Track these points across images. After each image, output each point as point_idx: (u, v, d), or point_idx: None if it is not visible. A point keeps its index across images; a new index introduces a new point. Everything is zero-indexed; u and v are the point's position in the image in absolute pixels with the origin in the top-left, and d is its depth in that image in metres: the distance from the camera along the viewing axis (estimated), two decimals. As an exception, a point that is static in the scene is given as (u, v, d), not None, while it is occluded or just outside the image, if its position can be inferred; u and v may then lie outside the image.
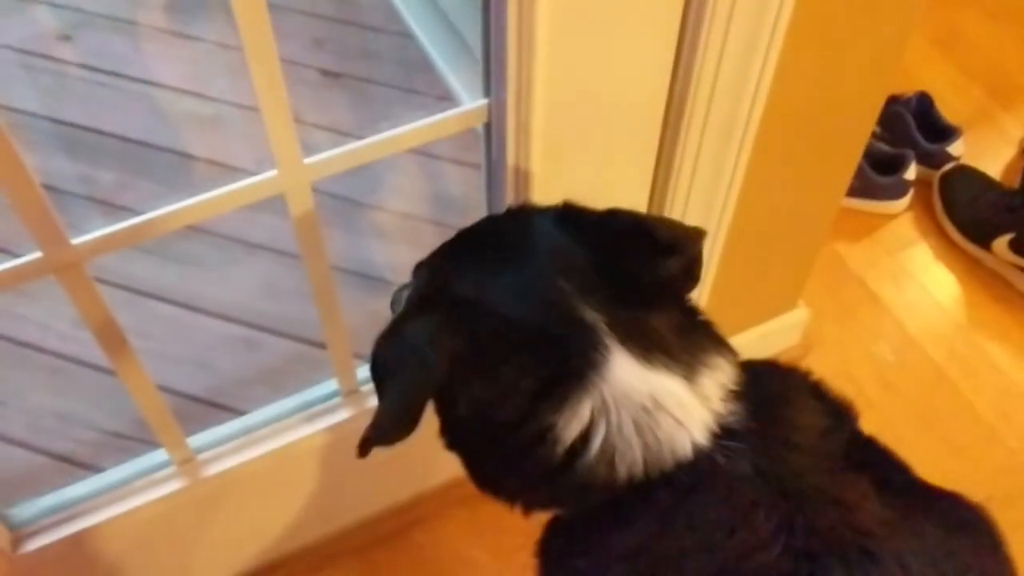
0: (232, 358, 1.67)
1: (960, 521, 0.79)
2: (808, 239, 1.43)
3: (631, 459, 0.74)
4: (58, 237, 0.84)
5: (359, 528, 1.44)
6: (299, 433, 1.20)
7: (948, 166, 1.87)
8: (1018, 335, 1.73)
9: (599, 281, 0.77)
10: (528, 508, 0.82)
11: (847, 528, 0.72)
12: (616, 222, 0.81)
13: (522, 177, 1.01)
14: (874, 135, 1.86)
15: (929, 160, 1.88)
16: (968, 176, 1.86)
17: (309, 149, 0.90)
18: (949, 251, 1.84)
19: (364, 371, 1.24)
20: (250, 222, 1.81)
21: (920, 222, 1.88)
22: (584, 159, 1.03)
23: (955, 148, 1.89)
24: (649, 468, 0.74)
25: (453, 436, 0.82)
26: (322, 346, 1.18)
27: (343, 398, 1.23)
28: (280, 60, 0.80)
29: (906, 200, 1.86)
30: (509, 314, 0.76)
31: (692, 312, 0.82)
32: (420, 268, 0.85)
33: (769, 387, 0.80)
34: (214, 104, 2.03)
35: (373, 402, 1.19)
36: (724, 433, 0.74)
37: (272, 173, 0.90)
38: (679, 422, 0.74)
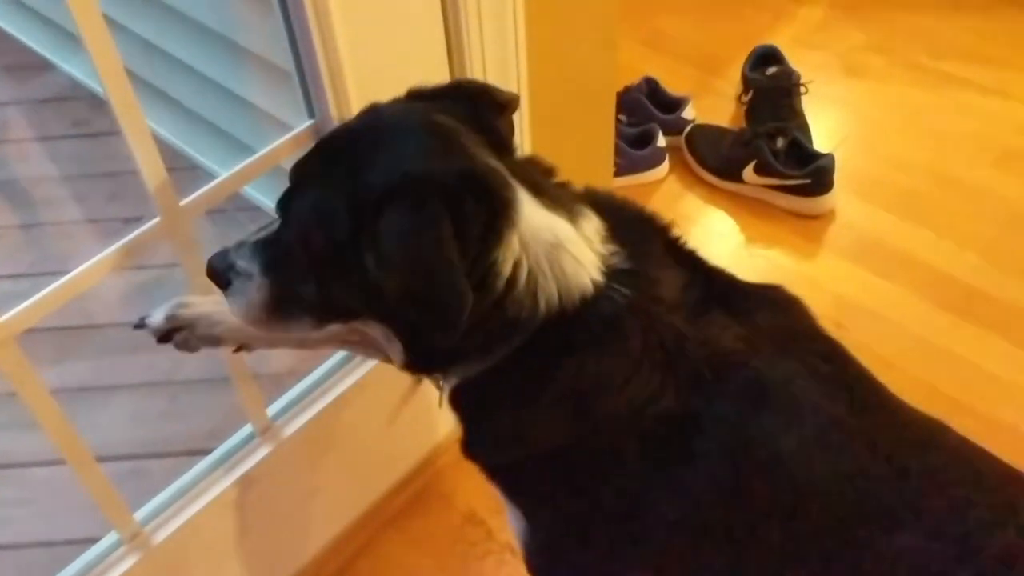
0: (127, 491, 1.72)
1: (776, 300, 0.96)
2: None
3: (548, 291, 0.82)
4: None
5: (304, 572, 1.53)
6: (230, 479, 1.30)
7: (687, 128, 2.23)
8: (786, 237, 2.06)
9: (479, 137, 0.86)
10: (450, 363, 0.90)
11: (715, 357, 0.86)
12: (463, 87, 0.94)
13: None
14: (620, 121, 2.19)
15: (671, 127, 2.22)
16: (705, 131, 2.22)
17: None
18: (712, 193, 2.18)
19: (275, 407, 1.36)
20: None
21: (682, 179, 2.21)
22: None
23: (688, 113, 2.25)
24: (563, 300, 0.83)
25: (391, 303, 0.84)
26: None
27: (260, 437, 1.34)
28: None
29: (665, 165, 2.19)
30: (446, 170, 0.80)
31: (550, 169, 0.93)
32: (319, 197, 0.86)
33: (634, 230, 0.91)
34: None
35: (288, 432, 1.32)
36: (611, 273, 0.85)
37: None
38: (577, 260, 0.84)
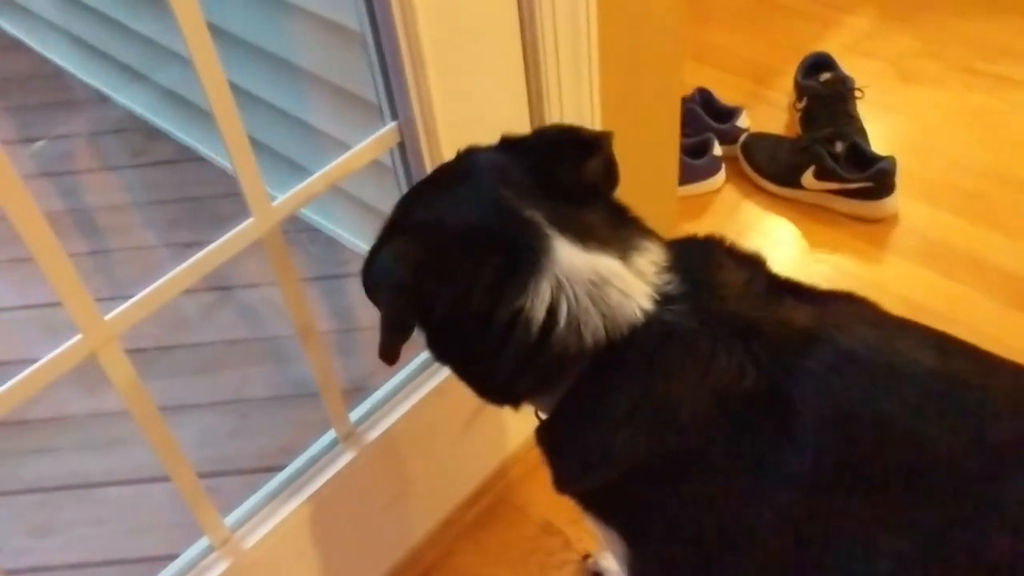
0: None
1: (845, 294, 0.96)
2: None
3: (593, 326, 0.86)
4: None
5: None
6: (315, 485, 1.30)
7: (743, 137, 2.22)
8: (849, 242, 2.04)
9: (535, 186, 0.92)
10: (520, 398, 0.96)
11: (792, 333, 0.87)
12: (544, 134, 1.01)
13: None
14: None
15: (726, 137, 2.22)
16: (761, 139, 2.22)
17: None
18: (771, 201, 2.17)
19: (357, 412, 1.37)
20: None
21: (740, 187, 2.21)
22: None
23: (742, 122, 2.25)
24: (609, 332, 0.87)
25: (440, 345, 0.96)
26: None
27: (343, 443, 1.34)
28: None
29: (722, 174, 2.19)
30: (459, 222, 0.90)
31: (621, 209, 0.98)
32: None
33: (693, 256, 0.94)
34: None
35: (371, 437, 1.33)
36: (664, 299, 0.88)
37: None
38: (624, 293, 0.88)
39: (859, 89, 2.21)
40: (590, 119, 1.37)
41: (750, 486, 0.87)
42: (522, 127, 1.29)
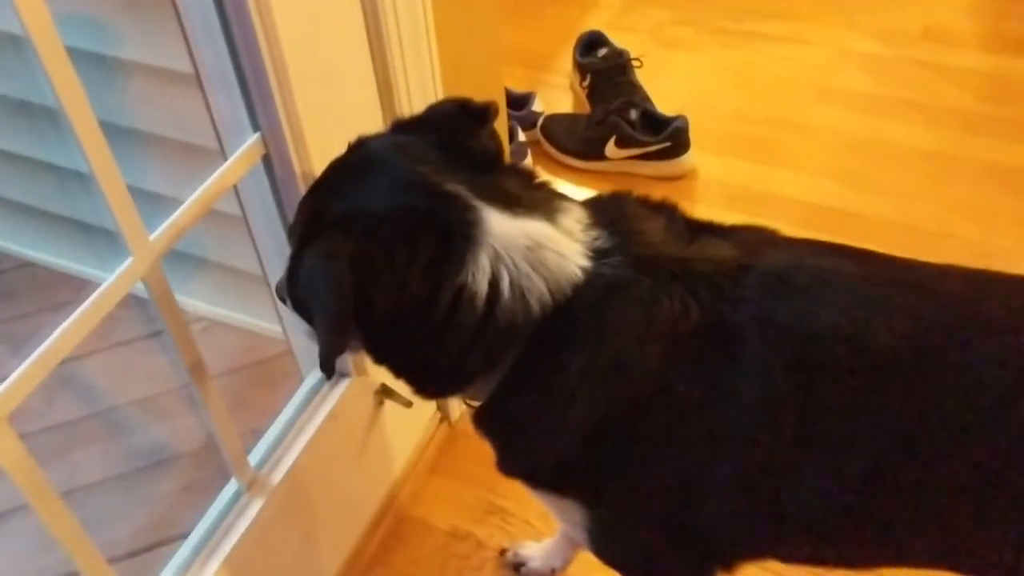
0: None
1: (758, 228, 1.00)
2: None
3: (538, 291, 0.86)
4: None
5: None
6: (228, 544, 1.19)
7: (540, 120, 2.28)
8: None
9: (446, 161, 0.90)
10: (465, 383, 0.93)
11: (721, 266, 0.89)
12: (436, 109, 0.97)
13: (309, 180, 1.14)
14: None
15: (525, 123, 2.27)
16: (558, 120, 2.28)
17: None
18: (579, 176, 2.24)
19: (255, 456, 1.26)
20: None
21: (548, 167, 2.26)
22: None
23: (537, 106, 2.31)
24: (555, 295, 0.86)
25: (380, 341, 0.92)
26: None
27: (248, 492, 1.24)
28: None
29: (529, 158, 2.23)
30: (384, 207, 0.86)
31: (528, 174, 0.98)
32: (293, 227, 0.96)
33: (609, 211, 0.95)
34: None
35: (276, 479, 1.23)
36: (597, 254, 0.89)
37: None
38: (560, 254, 0.88)
39: (636, 59, 2.32)
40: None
41: (710, 419, 0.88)
42: (376, 122, 1.25)
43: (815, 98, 2.40)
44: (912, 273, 0.94)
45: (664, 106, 2.29)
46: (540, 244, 0.87)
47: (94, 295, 0.92)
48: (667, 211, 0.97)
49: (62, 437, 1.77)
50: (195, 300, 1.88)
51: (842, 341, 0.87)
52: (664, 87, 2.40)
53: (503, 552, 1.56)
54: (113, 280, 0.94)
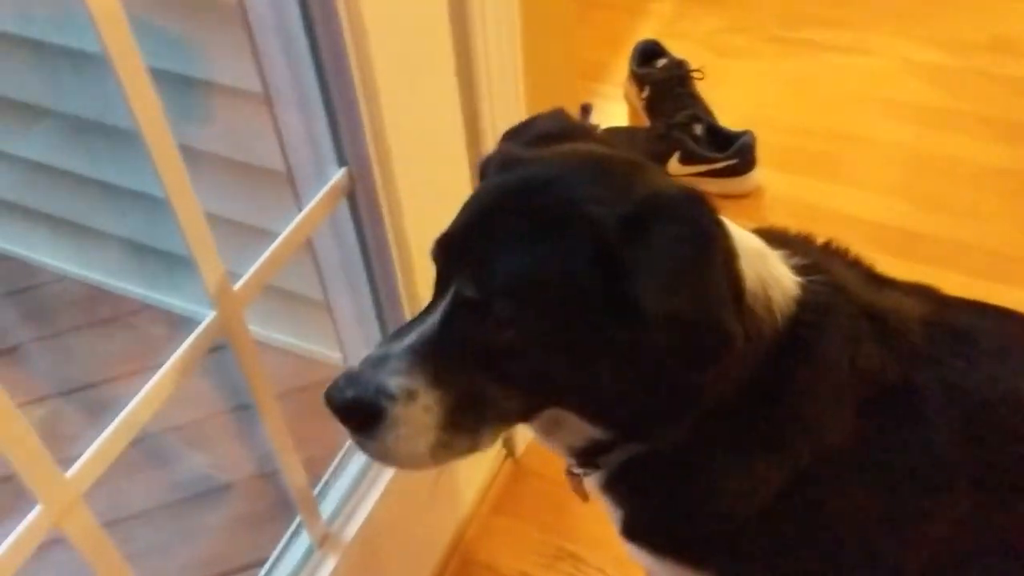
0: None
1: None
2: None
3: (778, 301, 0.76)
4: None
5: None
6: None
7: (599, 131, 2.18)
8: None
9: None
10: (666, 423, 0.77)
11: (911, 321, 0.82)
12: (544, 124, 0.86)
13: (395, 218, 1.05)
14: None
15: (581, 137, 2.17)
16: (617, 133, 2.19)
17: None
18: (638, 193, 2.13)
19: (326, 508, 1.17)
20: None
21: (605, 184, 2.16)
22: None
23: (594, 119, 2.21)
24: (784, 309, 0.76)
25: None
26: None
27: (320, 549, 1.15)
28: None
29: (585, 174, 2.13)
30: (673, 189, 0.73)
31: None
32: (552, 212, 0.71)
33: (782, 239, 0.85)
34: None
35: (349, 535, 1.14)
36: (801, 272, 0.80)
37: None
38: (778, 265, 0.79)
39: (697, 70, 2.22)
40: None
41: (891, 487, 0.80)
42: (460, 156, 1.16)
43: (879, 111, 2.30)
44: None
45: (724, 119, 2.20)
46: (764, 253, 0.78)
47: (173, 357, 0.83)
48: (841, 253, 0.88)
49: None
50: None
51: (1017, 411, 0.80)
52: (722, 99, 2.30)
53: (576, 598, 1.46)
54: (195, 338, 0.85)
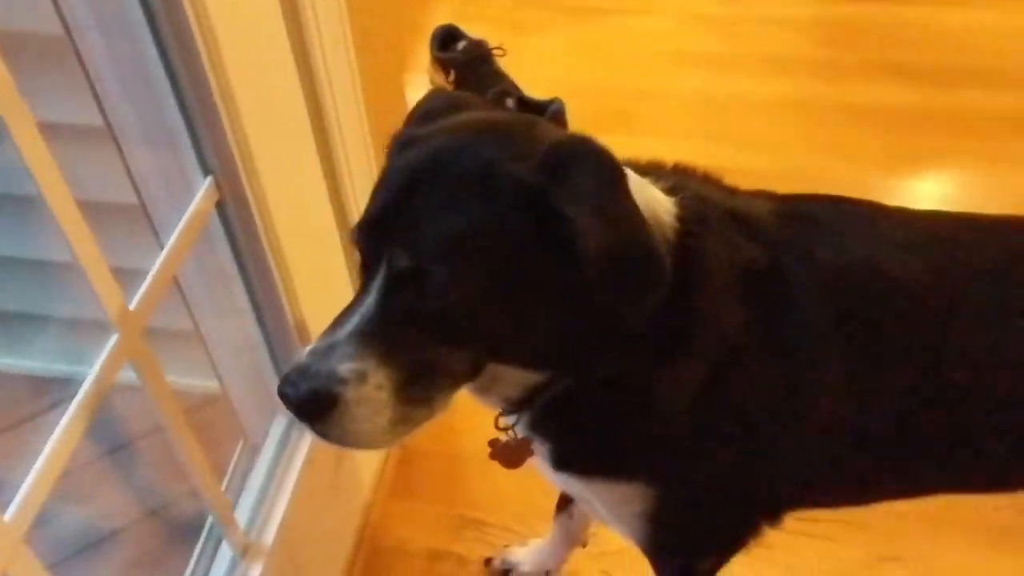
0: None
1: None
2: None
3: (668, 221, 0.83)
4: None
5: None
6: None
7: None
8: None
9: None
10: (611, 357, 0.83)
11: (765, 215, 0.91)
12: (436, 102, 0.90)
13: (270, 227, 1.06)
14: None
15: (401, 126, 2.21)
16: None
17: None
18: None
19: (242, 516, 1.17)
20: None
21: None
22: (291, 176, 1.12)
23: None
24: (670, 225, 0.83)
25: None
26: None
27: (244, 560, 1.15)
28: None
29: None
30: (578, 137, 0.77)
31: None
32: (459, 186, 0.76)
33: (640, 166, 0.92)
34: None
35: (269, 540, 1.15)
36: (668, 192, 0.87)
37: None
38: (654, 190, 0.86)
39: (499, 47, 2.31)
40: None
41: (783, 366, 0.89)
42: (311, 152, 1.19)
43: (669, 64, 2.47)
44: (899, 211, 0.99)
45: (531, 91, 2.30)
46: (641, 181, 0.84)
47: (84, 388, 0.82)
48: (687, 169, 0.96)
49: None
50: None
51: (870, 273, 0.90)
52: (525, 72, 2.40)
53: (488, 562, 1.52)
54: (102, 364, 0.84)
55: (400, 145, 0.82)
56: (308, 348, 0.76)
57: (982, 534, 1.54)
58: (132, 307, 0.87)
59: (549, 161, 0.74)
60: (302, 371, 0.74)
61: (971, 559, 1.51)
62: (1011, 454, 0.97)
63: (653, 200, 0.84)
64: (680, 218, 0.84)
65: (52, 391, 1.70)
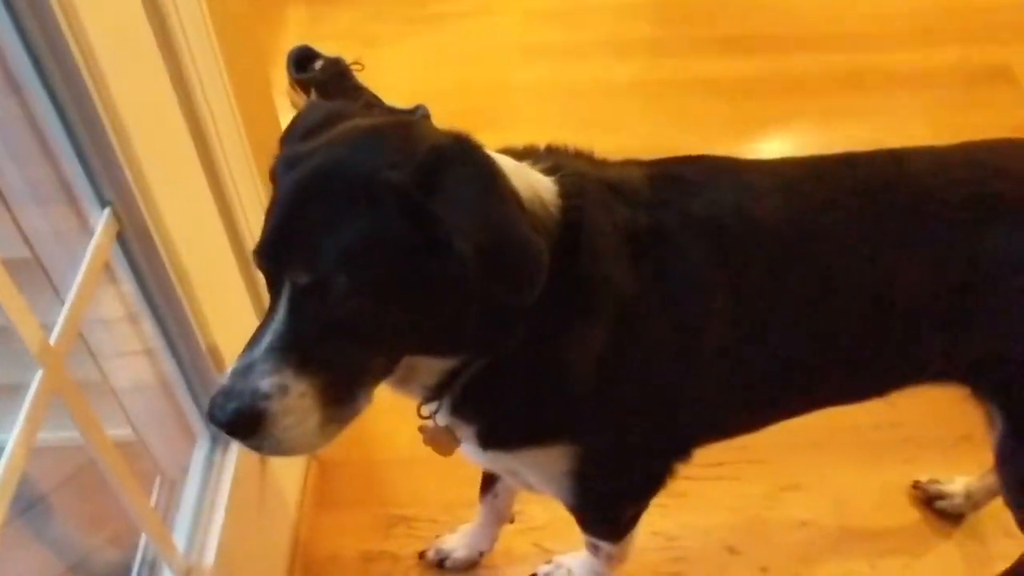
0: None
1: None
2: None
3: (551, 202, 0.89)
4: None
5: None
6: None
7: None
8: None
9: None
10: (514, 334, 0.89)
11: (637, 181, 0.98)
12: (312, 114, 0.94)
13: (171, 250, 1.08)
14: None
15: (268, 149, 2.22)
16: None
17: None
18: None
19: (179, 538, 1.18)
20: None
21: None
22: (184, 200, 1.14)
23: (272, 130, 2.27)
24: (553, 203, 0.90)
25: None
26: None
27: (187, 583, 1.16)
28: None
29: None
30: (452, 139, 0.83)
31: None
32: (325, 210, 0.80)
33: (512, 152, 0.98)
34: None
35: (207, 562, 1.17)
36: (546, 172, 0.93)
37: None
38: (532, 173, 0.91)
39: (356, 62, 2.35)
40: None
41: (674, 316, 0.97)
42: (196, 171, 1.21)
43: (518, 59, 2.57)
44: (755, 162, 1.09)
45: (393, 101, 2.35)
46: (519, 167, 0.90)
47: (17, 428, 0.83)
48: (558, 148, 1.02)
49: None
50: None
51: (740, 219, 0.99)
52: (383, 83, 2.45)
53: (422, 555, 1.57)
54: (31, 401, 0.85)
55: (285, 164, 0.85)
56: (229, 370, 0.80)
57: (865, 452, 1.69)
58: (52, 342, 0.88)
59: (423, 167, 0.78)
60: (226, 393, 0.79)
61: (857, 476, 1.66)
62: (885, 362, 1.09)
63: (535, 182, 0.90)
64: (561, 195, 0.91)
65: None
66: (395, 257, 0.79)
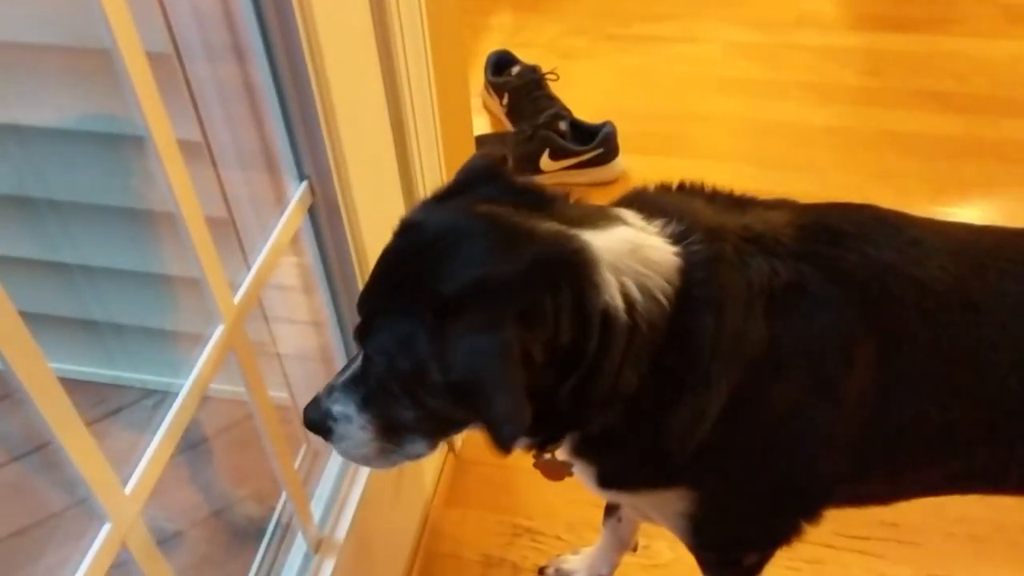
0: None
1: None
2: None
3: (659, 286, 0.86)
4: None
5: None
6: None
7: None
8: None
9: (516, 205, 0.87)
10: (610, 406, 0.88)
11: (781, 230, 0.92)
12: (474, 169, 0.94)
13: (356, 229, 1.12)
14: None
15: (454, 147, 2.27)
16: (486, 139, 2.30)
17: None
18: (516, 192, 2.26)
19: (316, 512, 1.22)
20: None
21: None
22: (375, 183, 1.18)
23: (461, 129, 2.32)
24: (671, 284, 0.87)
25: (535, 399, 0.82)
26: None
27: (317, 554, 1.19)
28: None
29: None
30: (509, 266, 0.80)
31: (566, 195, 0.94)
32: (371, 329, 0.87)
33: (649, 203, 0.95)
34: None
35: (339, 537, 1.20)
36: (677, 239, 0.90)
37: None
38: (654, 247, 0.88)
39: (551, 72, 2.37)
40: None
41: (811, 371, 0.92)
42: (392, 165, 1.25)
43: (714, 90, 2.53)
44: (925, 220, 1.02)
45: (581, 114, 2.35)
46: (637, 245, 0.88)
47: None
48: (696, 189, 1.00)
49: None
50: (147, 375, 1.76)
51: (897, 276, 0.93)
52: (575, 96, 2.46)
53: (542, 571, 1.56)
54: (207, 354, 0.89)
55: (401, 226, 0.90)
56: (326, 384, 0.93)
57: (1030, 557, 1.56)
58: (235, 301, 0.93)
59: (446, 304, 0.79)
60: (314, 403, 0.93)
61: (1017, 580, 1.53)
62: None
63: (645, 268, 0.86)
64: (684, 270, 0.88)
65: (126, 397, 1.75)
66: (413, 360, 0.83)
